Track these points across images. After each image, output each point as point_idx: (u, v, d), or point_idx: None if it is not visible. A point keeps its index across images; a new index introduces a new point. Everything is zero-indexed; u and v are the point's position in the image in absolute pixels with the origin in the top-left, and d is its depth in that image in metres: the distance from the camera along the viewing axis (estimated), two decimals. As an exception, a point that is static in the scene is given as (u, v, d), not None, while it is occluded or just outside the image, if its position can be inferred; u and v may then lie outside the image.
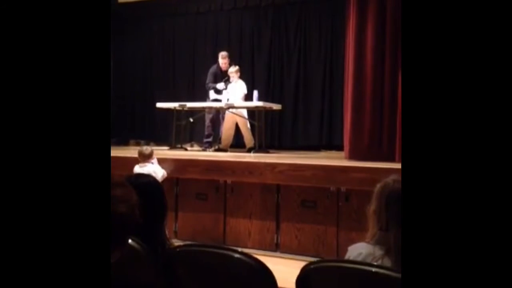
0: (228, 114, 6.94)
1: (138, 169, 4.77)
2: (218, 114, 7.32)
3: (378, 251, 1.75)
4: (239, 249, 1.85)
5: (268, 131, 7.73)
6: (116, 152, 6.05)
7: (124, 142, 8.86)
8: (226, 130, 6.98)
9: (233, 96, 6.92)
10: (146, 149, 4.97)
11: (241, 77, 7.15)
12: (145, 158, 4.87)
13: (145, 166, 4.81)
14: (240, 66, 7.42)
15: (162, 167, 4.93)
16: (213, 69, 7.34)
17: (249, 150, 6.63)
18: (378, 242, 1.78)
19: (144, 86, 9.23)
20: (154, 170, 4.73)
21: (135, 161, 4.96)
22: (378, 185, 1.88)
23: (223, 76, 7.18)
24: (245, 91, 6.96)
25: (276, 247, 4.79)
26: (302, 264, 1.74)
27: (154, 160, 4.96)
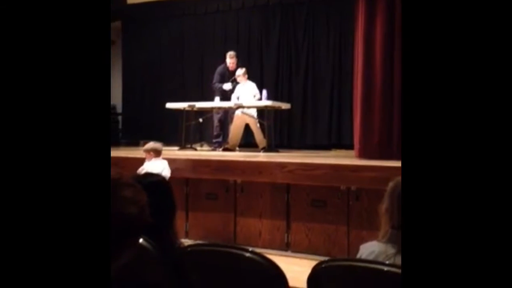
0: (236, 115, 6.92)
1: (152, 164, 4.80)
2: (226, 114, 7.32)
3: (391, 250, 1.73)
4: (250, 249, 1.83)
5: (277, 130, 7.71)
6: (126, 152, 6.07)
7: (134, 143, 8.89)
8: (234, 130, 6.96)
9: (243, 98, 6.91)
10: (158, 145, 5.04)
11: (249, 77, 7.14)
12: (159, 154, 4.92)
13: (158, 160, 4.86)
14: (248, 66, 7.40)
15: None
16: (220, 68, 7.32)
17: (262, 150, 6.60)
18: (390, 241, 1.76)
19: (154, 86, 9.25)
20: (165, 167, 4.79)
21: (144, 161, 4.97)
22: (391, 183, 1.87)
23: (230, 76, 7.17)
24: (257, 94, 6.91)
25: (286, 247, 4.78)
26: (313, 263, 1.72)
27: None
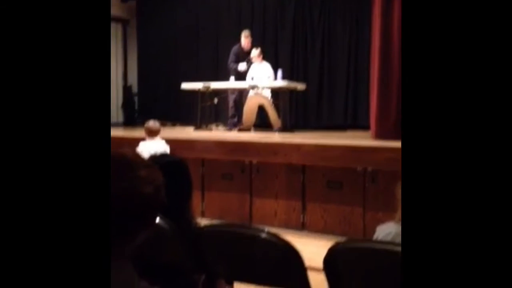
0: (249, 96, 6.90)
1: (144, 145, 4.67)
2: (241, 95, 7.29)
3: (408, 231, 1.71)
4: (266, 229, 1.83)
5: (293, 110, 7.67)
6: (142, 133, 6.09)
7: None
8: (247, 111, 6.94)
9: (257, 78, 6.86)
10: (154, 123, 4.88)
11: (264, 56, 7.08)
12: (154, 133, 4.78)
13: (152, 141, 4.70)
14: (263, 45, 7.31)
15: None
16: (235, 48, 7.29)
17: (277, 131, 6.58)
18: (407, 222, 1.74)
19: (169, 66, 9.24)
20: (159, 148, 4.58)
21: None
22: (408, 164, 1.83)
23: (245, 56, 7.12)
24: (271, 75, 6.87)
25: (302, 227, 4.79)
26: (329, 244, 1.71)
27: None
